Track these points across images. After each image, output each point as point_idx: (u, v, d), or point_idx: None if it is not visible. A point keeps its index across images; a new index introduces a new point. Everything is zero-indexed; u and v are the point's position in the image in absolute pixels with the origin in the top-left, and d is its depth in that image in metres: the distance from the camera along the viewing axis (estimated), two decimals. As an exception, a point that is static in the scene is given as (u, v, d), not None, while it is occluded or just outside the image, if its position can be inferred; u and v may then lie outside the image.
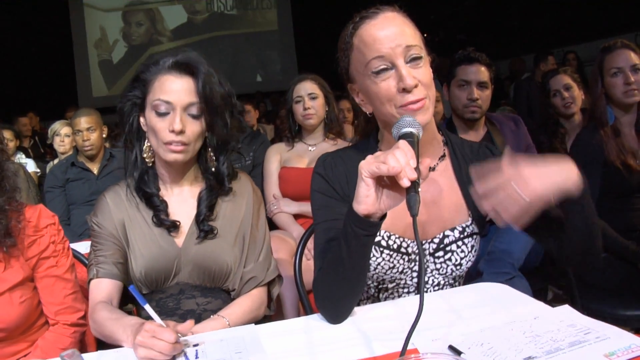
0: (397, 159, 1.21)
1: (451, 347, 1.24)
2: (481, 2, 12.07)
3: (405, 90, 1.44)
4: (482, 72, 3.06)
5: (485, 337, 1.27)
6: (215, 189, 1.82)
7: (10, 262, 1.70)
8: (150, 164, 1.81)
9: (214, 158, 1.82)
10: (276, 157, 3.41)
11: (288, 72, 13.14)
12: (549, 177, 1.28)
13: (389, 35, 1.46)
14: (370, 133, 1.73)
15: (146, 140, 1.78)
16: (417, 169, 1.23)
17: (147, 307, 1.45)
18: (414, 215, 1.22)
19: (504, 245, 2.70)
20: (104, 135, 4.24)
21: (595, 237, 1.44)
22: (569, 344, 1.20)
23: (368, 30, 1.49)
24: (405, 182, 1.21)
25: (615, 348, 1.16)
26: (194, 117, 1.70)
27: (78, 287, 1.84)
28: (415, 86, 1.44)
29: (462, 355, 1.19)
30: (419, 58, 1.47)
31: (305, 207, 3.23)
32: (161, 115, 1.68)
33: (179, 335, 1.37)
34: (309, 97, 3.31)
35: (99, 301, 1.68)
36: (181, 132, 1.67)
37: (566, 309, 1.40)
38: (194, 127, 1.70)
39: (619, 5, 8.57)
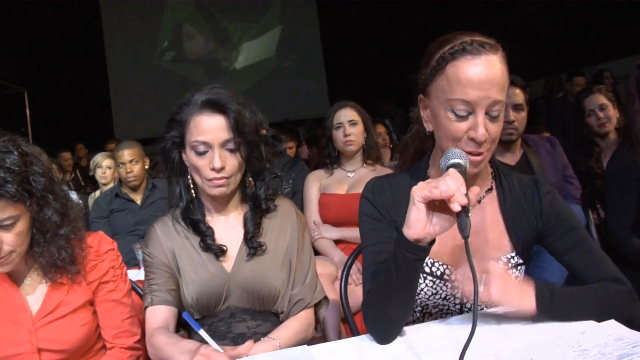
0: (449, 185, 1.27)
1: (502, 363, 1.27)
2: (510, 23, 12.06)
3: (474, 141, 1.45)
4: (517, 95, 3.10)
5: (534, 352, 1.30)
6: (257, 210, 1.89)
7: (73, 286, 1.78)
8: (195, 197, 1.89)
9: (253, 183, 1.90)
10: (316, 184, 3.47)
11: (319, 100, 13.24)
12: (507, 297, 1.42)
13: (483, 84, 1.43)
14: (426, 152, 1.75)
15: (189, 175, 1.86)
16: (466, 195, 1.28)
17: (202, 332, 1.51)
18: (465, 237, 1.27)
19: (543, 272, 2.71)
20: (147, 167, 4.36)
21: (608, 313, 1.46)
22: (618, 356, 1.22)
23: (466, 68, 1.44)
24: (456, 207, 1.26)
25: (664, 360, 1.18)
26: (232, 151, 1.77)
27: (135, 311, 1.90)
28: (485, 141, 1.45)
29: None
30: (499, 115, 1.47)
31: (346, 233, 3.28)
32: (200, 154, 1.76)
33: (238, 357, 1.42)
34: (349, 124, 3.35)
35: (156, 327, 1.75)
36: (222, 169, 1.75)
37: (612, 324, 1.41)
38: (233, 161, 1.77)
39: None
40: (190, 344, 1.58)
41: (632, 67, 2.76)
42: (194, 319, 1.82)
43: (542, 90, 9.42)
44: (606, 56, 9.40)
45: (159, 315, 1.78)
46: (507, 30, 12.03)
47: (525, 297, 1.44)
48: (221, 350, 1.47)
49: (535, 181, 1.70)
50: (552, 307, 1.43)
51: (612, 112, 3.66)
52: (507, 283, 1.42)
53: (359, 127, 3.37)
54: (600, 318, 1.44)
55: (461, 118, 1.46)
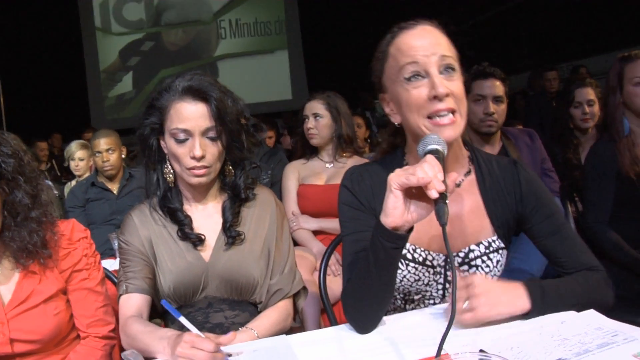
0: (426, 171, 1.26)
1: (482, 352, 1.26)
2: (489, 20, 12.13)
3: (437, 98, 1.45)
4: (497, 87, 3.10)
5: (514, 341, 1.29)
6: (236, 199, 1.86)
7: (45, 274, 1.74)
8: (173, 185, 1.86)
9: (232, 172, 1.87)
10: (294, 175, 3.45)
11: (299, 93, 13.22)
12: (498, 308, 1.40)
13: (425, 44, 1.49)
14: (397, 146, 1.75)
15: (167, 162, 1.83)
16: (444, 182, 1.26)
17: (182, 319, 1.48)
18: (443, 224, 1.25)
19: (522, 263, 2.72)
20: (123, 156, 4.31)
21: (589, 303, 1.47)
22: (597, 345, 1.23)
23: (405, 38, 1.53)
24: (433, 194, 1.25)
25: (644, 349, 1.18)
26: (212, 139, 1.74)
27: (109, 300, 1.87)
28: (447, 95, 1.45)
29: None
30: (453, 70, 1.49)
31: (325, 224, 3.27)
32: (180, 142, 1.73)
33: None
34: (313, 117, 3.37)
35: (130, 315, 1.71)
36: (202, 157, 1.72)
37: (592, 313, 1.42)
38: (214, 150, 1.74)
39: (625, 19, 8.60)
40: (170, 331, 1.55)
41: (614, 61, 2.77)
42: (171, 308, 1.81)
43: (521, 86, 9.48)
44: (582, 52, 9.49)
45: (133, 303, 1.74)
46: (486, 26, 12.12)
47: (517, 299, 1.43)
48: (204, 337, 1.44)
49: (515, 162, 1.71)
50: (544, 303, 1.43)
51: (596, 109, 3.69)
52: (494, 294, 1.41)
53: (324, 120, 3.36)
54: (582, 308, 1.45)
55: (417, 82, 1.48)
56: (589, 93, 3.70)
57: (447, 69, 1.48)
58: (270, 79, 13.82)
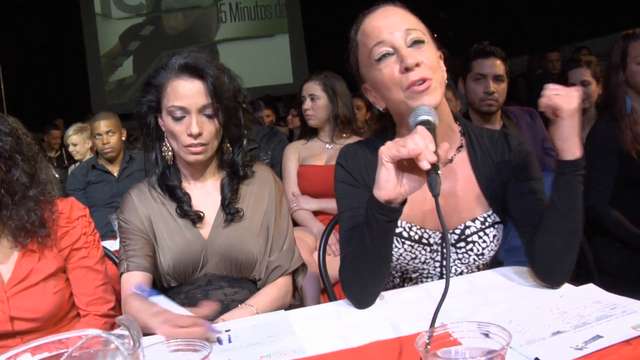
0: (417, 143, 1.25)
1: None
2: (491, 1, 12.06)
3: (408, 70, 1.44)
4: (497, 66, 3.08)
5: (513, 315, 1.29)
6: (234, 177, 1.86)
7: (44, 253, 1.74)
8: (171, 163, 1.85)
9: (230, 150, 1.87)
10: (294, 156, 3.44)
11: (300, 76, 13.20)
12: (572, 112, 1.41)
13: (388, 22, 1.49)
14: (384, 130, 1.74)
15: (165, 140, 1.82)
16: (436, 152, 1.25)
17: (155, 299, 1.48)
18: (435, 195, 1.24)
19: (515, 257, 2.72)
20: (123, 138, 4.30)
21: (575, 237, 1.49)
22: (596, 318, 1.23)
23: (369, 22, 1.54)
24: (425, 165, 1.23)
25: (643, 320, 1.18)
26: (209, 117, 1.73)
27: (108, 278, 1.88)
28: (417, 65, 1.44)
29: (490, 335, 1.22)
30: (421, 42, 1.48)
31: (325, 204, 3.27)
32: (177, 119, 1.72)
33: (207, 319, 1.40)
34: (310, 98, 3.37)
35: (130, 293, 1.72)
36: (199, 135, 1.71)
37: (591, 288, 1.42)
38: (211, 127, 1.74)
39: (625, 1, 8.54)
40: (157, 307, 1.54)
41: (618, 39, 2.74)
42: (170, 286, 1.82)
43: (523, 68, 9.44)
44: (585, 34, 9.44)
45: (135, 281, 1.74)
46: (487, 8, 12.05)
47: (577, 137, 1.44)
48: (185, 312, 1.43)
49: (505, 134, 1.70)
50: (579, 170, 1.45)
51: (594, 89, 3.64)
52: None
53: (321, 101, 3.35)
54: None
55: (386, 60, 1.48)
56: (584, 74, 3.66)
57: (414, 42, 1.47)
58: (271, 62, 13.80)
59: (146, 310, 1.59)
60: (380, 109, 1.64)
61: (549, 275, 1.49)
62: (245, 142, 1.89)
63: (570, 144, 1.41)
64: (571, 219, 1.47)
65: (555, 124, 1.42)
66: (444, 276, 1.67)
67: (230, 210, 1.82)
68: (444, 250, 1.64)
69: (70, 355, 0.77)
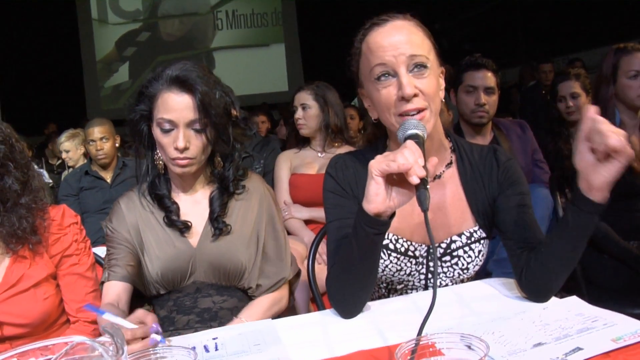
0: (406, 157, 1.26)
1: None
2: (486, 12, 12.13)
3: (404, 99, 1.45)
4: (488, 78, 3.11)
5: (496, 326, 1.31)
6: (224, 191, 1.86)
7: (35, 259, 1.75)
8: (163, 171, 1.86)
9: (222, 164, 1.86)
10: (286, 164, 3.47)
11: (295, 84, 13.24)
12: None
13: (394, 43, 1.47)
14: (378, 139, 1.76)
15: (157, 150, 1.82)
16: (424, 167, 1.27)
17: (106, 316, 1.45)
18: (425, 210, 1.25)
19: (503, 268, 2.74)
20: (117, 145, 4.31)
21: (573, 265, 1.49)
22: (578, 330, 1.25)
23: (375, 37, 1.52)
24: (414, 180, 1.24)
25: (622, 333, 1.20)
26: (197, 131, 1.72)
27: (98, 285, 1.88)
28: (415, 95, 1.45)
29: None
30: (424, 67, 1.48)
31: (316, 213, 3.28)
32: (166, 132, 1.72)
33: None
34: (301, 107, 3.40)
35: (106, 302, 1.71)
36: (185, 149, 1.70)
37: (574, 300, 1.44)
38: (198, 142, 1.73)
39: (622, 12, 8.61)
40: (104, 322, 1.50)
41: (609, 51, 2.74)
42: (159, 294, 1.82)
43: (517, 79, 9.50)
44: (579, 46, 9.50)
45: (112, 291, 1.73)
46: (482, 19, 12.12)
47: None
48: (131, 326, 1.37)
49: (494, 150, 1.71)
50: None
51: (584, 101, 3.66)
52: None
53: (312, 111, 3.39)
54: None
55: (386, 82, 1.49)
56: (573, 86, 3.68)
57: (417, 66, 1.47)
58: (266, 70, 13.85)
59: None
60: (373, 118, 1.65)
61: (536, 295, 1.49)
62: (237, 156, 1.88)
63: (607, 187, 1.34)
64: (576, 251, 1.46)
65: (603, 165, 1.31)
66: (429, 288, 1.69)
67: (218, 225, 1.81)
68: (430, 263, 1.67)
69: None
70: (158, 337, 1.33)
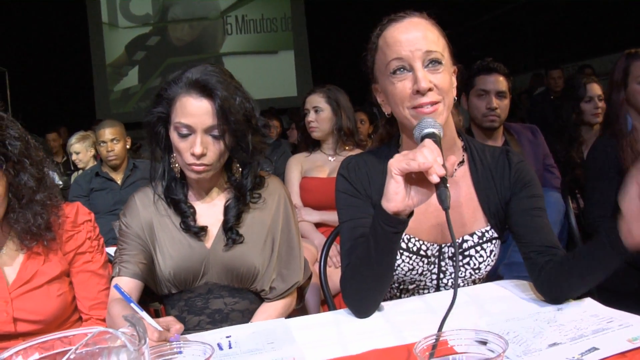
0: (426, 156, 1.27)
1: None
2: (495, 19, 12.12)
3: (419, 93, 1.47)
4: (500, 82, 3.11)
5: (510, 326, 1.31)
6: (240, 200, 1.84)
7: (49, 256, 1.76)
8: (179, 175, 1.83)
9: (240, 169, 1.84)
10: (297, 168, 3.48)
11: (304, 89, 13.25)
12: None
13: (410, 39, 1.50)
14: (392, 137, 1.76)
15: (174, 153, 1.79)
16: (443, 165, 1.27)
17: (133, 305, 1.47)
18: (446, 208, 1.26)
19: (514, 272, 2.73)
20: (128, 147, 4.33)
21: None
22: (593, 331, 1.24)
23: (392, 32, 1.54)
24: (434, 178, 1.25)
25: (638, 333, 1.20)
26: (215, 137, 1.70)
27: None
28: (430, 89, 1.47)
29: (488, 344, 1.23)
30: (438, 63, 1.50)
31: (327, 216, 3.29)
32: (183, 137, 1.69)
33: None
34: (314, 110, 3.41)
35: (117, 298, 1.70)
36: (202, 155, 1.68)
37: (588, 302, 1.44)
38: (215, 148, 1.70)
39: (631, 19, 8.58)
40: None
41: (620, 57, 2.74)
42: (171, 293, 1.82)
43: (526, 85, 9.49)
44: (589, 52, 9.48)
45: (123, 286, 1.72)
46: (491, 25, 12.10)
47: None
48: (159, 328, 1.40)
49: (507, 151, 1.72)
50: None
51: (603, 105, 3.68)
52: None
53: (325, 114, 3.40)
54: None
55: (402, 75, 1.50)
56: (599, 88, 3.70)
57: (432, 62, 1.49)
58: (275, 75, 13.86)
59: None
60: (386, 113, 1.65)
61: (553, 298, 1.48)
62: (256, 164, 1.85)
63: None
64: (597, 276, 1.43)
65: None
66: (441, 288, 1.69)
67: (231, 235, 1.80)
68: (442, 263, 1.67)
69: (76, 352, 0.78)
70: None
